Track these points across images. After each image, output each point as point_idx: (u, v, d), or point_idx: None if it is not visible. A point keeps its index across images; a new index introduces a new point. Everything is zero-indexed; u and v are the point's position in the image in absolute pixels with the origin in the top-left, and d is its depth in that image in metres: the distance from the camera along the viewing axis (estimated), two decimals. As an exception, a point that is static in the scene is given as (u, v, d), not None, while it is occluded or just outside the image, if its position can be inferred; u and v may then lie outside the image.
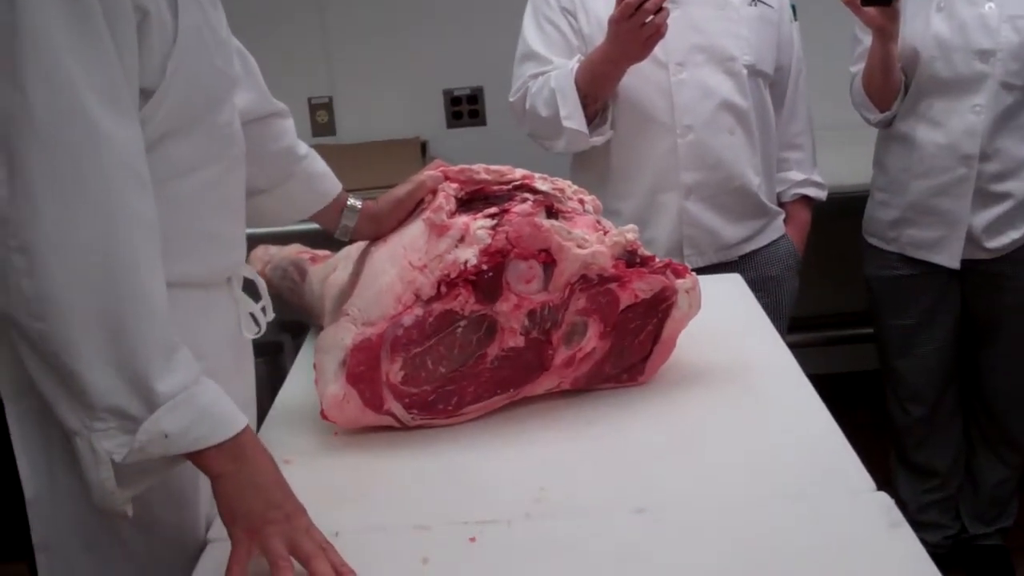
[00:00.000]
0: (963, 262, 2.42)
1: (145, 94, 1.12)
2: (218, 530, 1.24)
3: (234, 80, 1.32)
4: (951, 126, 2.34)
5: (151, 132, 1.13)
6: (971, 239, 2.39)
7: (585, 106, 2.17)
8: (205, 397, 1.10)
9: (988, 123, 2.31)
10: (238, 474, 1.11)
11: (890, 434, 2.73)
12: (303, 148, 1.52)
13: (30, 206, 1.03)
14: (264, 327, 1.43)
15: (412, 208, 1.50)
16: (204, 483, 1.25)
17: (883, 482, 1.26)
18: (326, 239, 1.60)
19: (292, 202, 1.52)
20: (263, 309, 1.43)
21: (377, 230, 1.51)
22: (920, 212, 2.43)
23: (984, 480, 2.68)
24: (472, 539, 1.20)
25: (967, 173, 2.35)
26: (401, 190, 1.50)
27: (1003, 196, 2.36)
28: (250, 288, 1.43)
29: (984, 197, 2.37)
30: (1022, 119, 2.32)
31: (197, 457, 1.11)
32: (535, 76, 2.23)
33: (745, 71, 2.24)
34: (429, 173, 1.51)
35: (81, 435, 1.07)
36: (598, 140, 2.22)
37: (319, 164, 1.54)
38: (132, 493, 1.12)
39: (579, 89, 2.15)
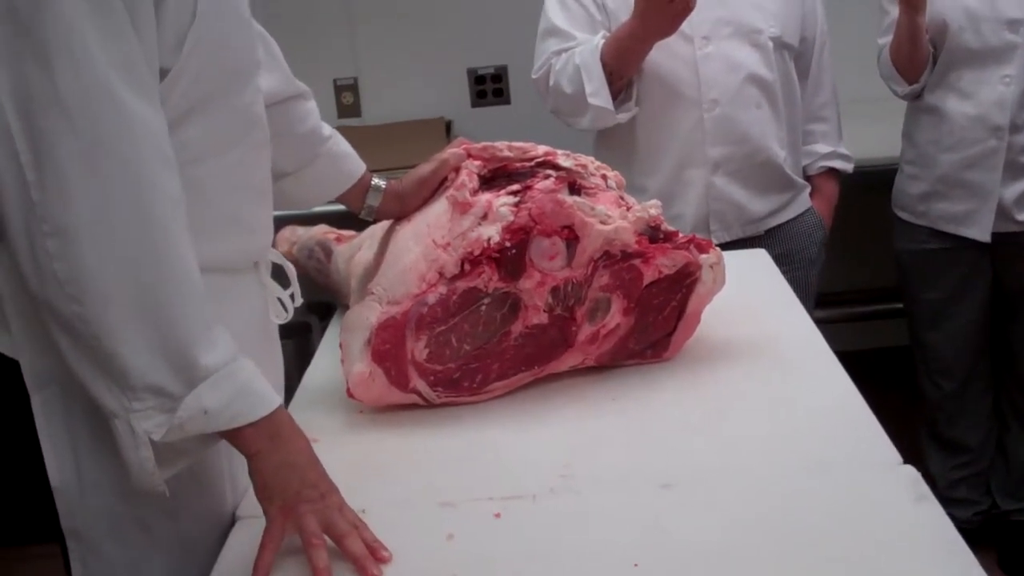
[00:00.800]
0: (994, 235, 2.40)
1: (162, 72, 1.12)
2: (247, 508, 1.25)
3: (257, 61, 1.31)
4: (980, 97, 2.32)
5: (169, 112, 1.12)
6: (1002, 212, 2.37)
7: (610, 83, 2.16)
8: (244, 373, 1.11)
9: (1018, 94, 2.29)
10: (274, 453, 1.12)
11: (921, 409, 2.71)
12: (327, 129, 1.52)
13: (61, 188, 1.03)
14: (292, 312, 1.44)
15: (436, 187, 1.50)
16: (228, 466, 1.26)
17: (909, 458, 1.25)
18: (351, 219, 1.61)
19: (318, 184, 1.52)
20: (291, 296, 1.43)
21: (401, 209, 1.52)
22: (950, 185, 2.41)
23: (1016, 456, 2.66)
24: (497, 515, 1.20)
25: (997, 145, 2.33)
26: (424, 169, 1.50)
27: None
28: (279, 273, 1.43)
29: (1015, 169, 2.34)
30: None
31: (234, 436, 1.11)
32: (558, 53, 2.22)
33: (771, 44, 2.23)
34: (452, 151, 1.51)
35: (120, 416, 1.08)
36: (624, 117, 2.21)
37: (343, 145, 1.54)
38: (169, 474, 1.12)
39: (604, 65, 2.14)
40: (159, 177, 1.07)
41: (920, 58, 2.33)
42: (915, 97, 2.44)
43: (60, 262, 1.04)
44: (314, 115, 1.51)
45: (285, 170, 1.47)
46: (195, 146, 1.17)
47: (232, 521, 1.26)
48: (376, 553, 1.12)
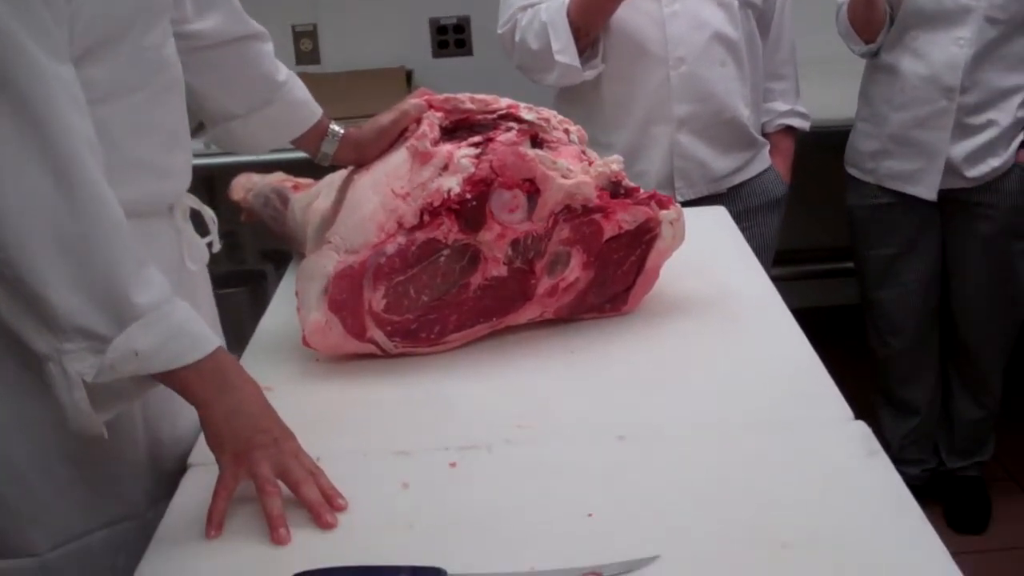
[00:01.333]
0: (942, 192, 2.44)
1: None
2: (199, 456, 1.25)
3: (167, 3, 1.28)
4: (933, 58, 2.35)
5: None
6: (951, 169, 2.41)
7: (576, 39, 2.14)
8: (179, 314, 1.10)
9: (970, 56, 2.31)
10: (222, 400, 1.11)
11: (873, 369, 2.75)
12: (283, 74, 1.49)
13: None
14: (207, 258, 1.42)
15: (396, 137, 1.49)
16: (144, 410, 1.25)
17: (862, 415, 1.27)
18: (309, 167, 1.59)
19: (269, 128, 1.50)
20: (209, 244, 1.42)
21: (359, 157, 1.50)
22: (899, 143, 2.45)
23: (960, 420, 2.71)
24: (452, 464, 1.21)
25: (947, 106, 2.37)
26: (385, 118, 1.49)
27: (983, 126, 2.38)
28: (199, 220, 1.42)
29: (963, 128, 2.38)
30: (1004, 51, 2.33)
31: (177, 381, 1.10)
32: (524, 8, 2.20)
33: (736, 2, 2.22)
34: (413, 102, 1.49)
35: (52, 359, 1.07)
36: (590, 74, 2.20)
37: (299, 90, 1.51)
38: (107, 416, 1.11)
39: (571, 23, 2.13)
40: (74, 119, 1.06)
41: (876, 18, 2.35)
42: (871, 56, 2.45)
43: None
44: (268, 58, 1.48)
45: (234, 112, 1.46)
46: (97, 87, 1.15)
47: (154, 465, 1.27)
48: (332, 501, 1.12)
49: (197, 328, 1.11)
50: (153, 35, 1.24)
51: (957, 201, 2.46)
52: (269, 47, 1.48)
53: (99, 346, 1.06)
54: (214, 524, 1.10)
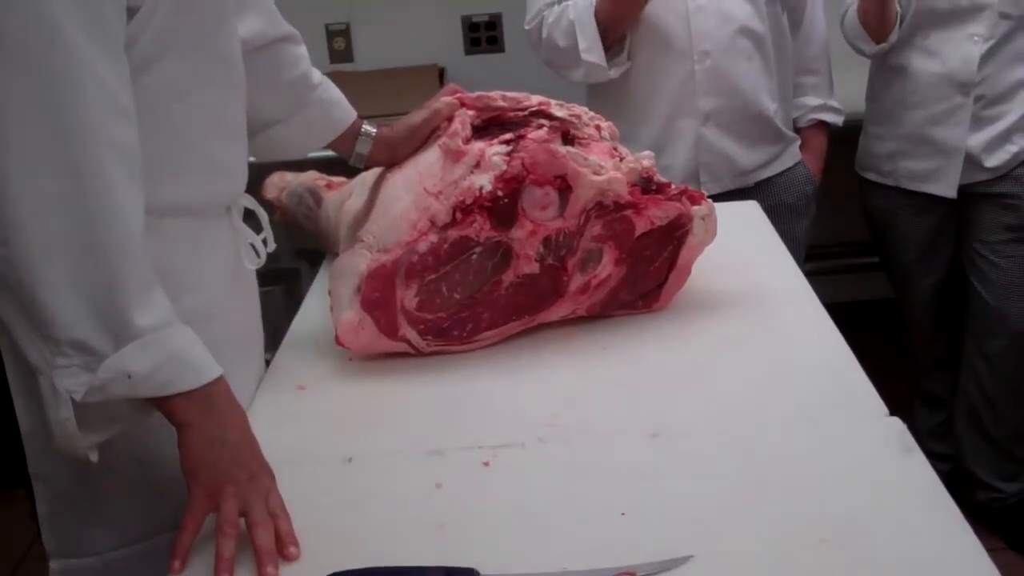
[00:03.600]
0: (962, 187, 2.42)
1: (130, 11, 1.09)
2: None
3: (237, 1, 1.29)
4: (947, 55, 2.34)
5: (140, 53, 1.10)
6: (970, 161, 2.38)
7: (603, 37, 2.14)
8: (178, 340, 1.06)
9: (985, 51, 2.30)
10: (205, 427, 1.07)
11: (908, 363, 2.74)
12: (317, 76, 1.50)
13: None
14: (264, 258, 1.41)
15: (427, 135, 1.49)
16: None
17: (896, 410, 1.26)
18: (342, 166, 1.60)
19: (307, 131, 1.50)
20: (264, 241, 1.41)
21: (392, 157, 1.50)
22: (915, 143, 2.43)
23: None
24: (486, 463, 1.21)
25: (963, 102, 2.35)
26: (416, 117, 1.49)
27: (997, 117, 2.36)
28: (251, 218, 1.41)
29: (978, 121, 2.36)
30: (1016, 45, 2.31)
31: (163, 404, 1.07)
32: (551, 4, 2.20)
33: (763, -4, 2.21)
34: (445, 100, 1.49)
35: (43, 372, 1.04)
36: (616, 72, 2.21)
37: (333, 91, 1.52)
38: (98, 439, 1.09)
39: (598, 22, 2.13)
40: (107, 127, 1.03)
41: (889, 17, 2.33)
42: (882, 57, 2.44)
43: None
44: (304, 60, 1.48)
45: (275, 117, 1.46)
46: (169, 85, 1.15)
47: None
48: (284, 548, 1.06)
49: (196, 356, 1.07)
50: (222, 34, 1.24)
51: (978, 195, 2.43)
52: (303, 49, 1.49)
53: (92, 363, 1.03)
54: (179, 556, 1.05)
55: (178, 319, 1.07)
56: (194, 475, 1.07)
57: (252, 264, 1.39)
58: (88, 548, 1.23)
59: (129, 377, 1.03)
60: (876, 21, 2.35)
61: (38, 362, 1.04)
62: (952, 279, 2.58)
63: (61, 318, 1.02)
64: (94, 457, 1.09)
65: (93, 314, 1.02)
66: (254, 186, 1.47)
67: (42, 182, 1.01)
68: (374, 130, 1.51)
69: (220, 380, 1.09)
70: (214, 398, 1.08)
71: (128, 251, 1.03)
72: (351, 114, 1.52)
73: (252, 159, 1.49)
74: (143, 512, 1.23)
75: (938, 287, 2.59)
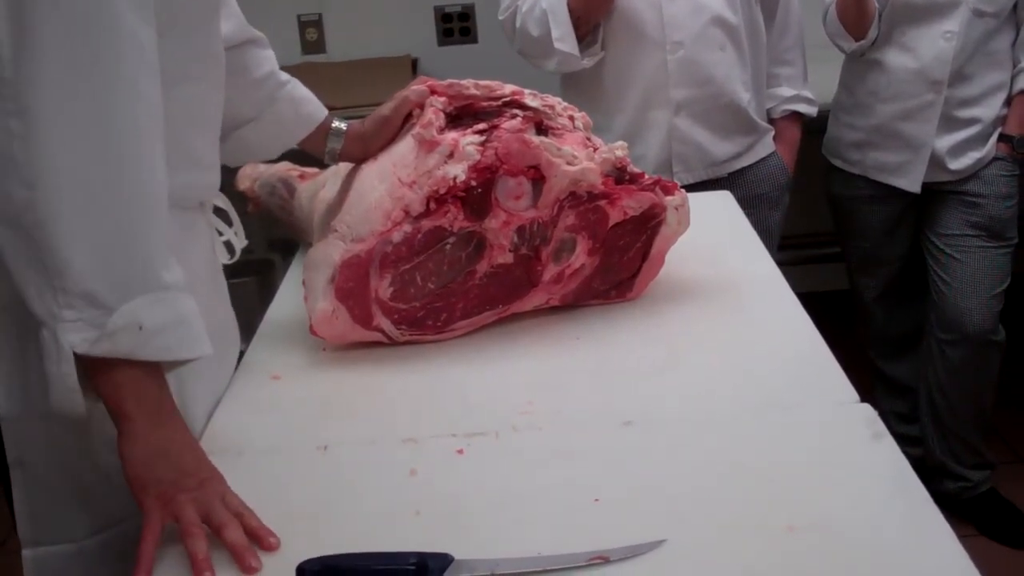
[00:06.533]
0: (926, 184, 2.46)
1: None
2: (207, 444, 1.25)
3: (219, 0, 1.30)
4: (921, 52, 2.37)
5: None
6: (934, 161, 2.43)
7: (576, 27, 2.15)
8: (190, 306, 1.08)
9: (958, 49, 2.33)
10: (152, 436, 1.06)
11: (866, 349, 2.79)
12: (285, 76, 1.51)
13: (35, 68, 1.00)
14: (237, 253, 1.42)
15: (398, 126, 1.49)
16: (180, 396, 1.22)
17: (868, 397, 1.27)
18: (314, 156, 1.59)
19: (278, 129, 1.50)
20: (234, 235, 1.42)
21: (364, 151, 1.50)
22: (885, 135, 2.47)
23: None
24: (460, 451, 1.21)
25: (935, 99, 2.39)
26: (386, 108, 1.49)
27: (969, 121, 2.41)
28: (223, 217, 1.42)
29: (949, 122, 2.41)
30: (992, 46, 2.37)
31: (116, 393, 1.05)
32: (524, -6, 2.21)
33: (738, -14, 2.22)
34: (413, 88, 1.49)
35: (47, 325, 1.03)
36: (589, 62, 2.22)
37: (303, 89, 1.52)
38: (92, 401, 1.08)
39: (571, 11, 2.13)
40: (140, 81, 1.04)
41: (867, 15, 2.36)
42: (861, 55, 2.46)
43: (19, 141, 1.00)
44: (272, 61, 1.49)
45: (246, 115, 1.46)
46: (164, 75, 1.14)
47: None
48: (261, 541, 1.05)
49: (199, 327, 1.09)
50: (211, 28, 1.25)
51: (941, 192, 2.48)
52: (270, 52, 1.49)
53: (99, 318, 1.02)
54: (143, 569, 1.02)
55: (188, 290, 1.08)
56: (143, 489, 1.05)
57: (225, 259, 1.39)
58: (64, 535, 1.23)
59: (140, 329, 1.03)
60: (854, 18, 2.37)
61: (43, 314, 1.03)
62: (910, 267, 2.63)
63: (77, 267, 1.02)
64: (84, 413, 1.07)
65: (111, 266, 1.03)
66: (228, 179, 1.47)
67: (74, 128, 1.01)
68: (344, 126, 1.51)
69: (166, 385, 1.08)
70: (163, 402, 1.08)
71: (157, 205, 1.05)
72: (321, 110, 1.52)
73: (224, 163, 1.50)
74: (116, 497, 1.22)
75: (896, 274, 2.65)
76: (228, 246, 1.43)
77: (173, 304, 1.06)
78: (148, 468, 1.05)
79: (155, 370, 1.08)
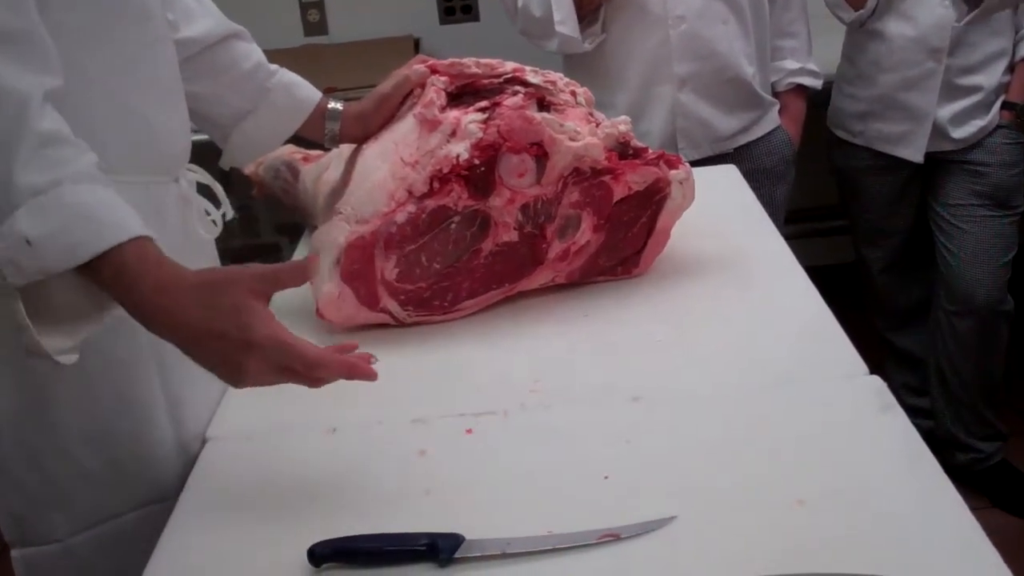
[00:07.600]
0: (929, 154, 2.45)
1: None
2: (217, 429, 1.26)
3: (184, 7, 1.28)
4: (921, 20, 2.37)
5: None
6: (937, 130, 2.43)
7: (578, 7, 2.14)
8: (84, 196, 0.95)
9: (957, 16, 2.31)
10: (155, 297, 0.98)
11: (875, 322, 2.78)
12: (273, 65, 1.49)
13: None
14: (220, 226, 1.40)
15: (398, 104, 1.49)
16: (162, 388, 1.23)
17: (876, 369, 1.27)
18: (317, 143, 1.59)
19: (276, 117, 1.48)
20: (224, 215, 1.40)
21: (364, 130, 1.50)
22: (887, 106, 2.47)
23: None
24: (469, 431, 1.21)
25: (935, 67, 2.38)
26: (386, 86, 1.49)
27: (971, 89, 2.41)
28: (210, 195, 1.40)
29: (951, 90, 2.40)
30: (993, 15, 2.33)
31: (107, 280, 0.97)
32: (526, -28, 2.20)
33: (740, -41, 2.20)
34: (414, 67, 1.49)
35: None
36: (590, 45, 2.21)
37: (292, 75, 1.51)
38: (71, 342, 1.01)
39: None
40: None
41: None
42: (860, 25, 2.45)
43: None
44: (257, 52, 1.47)
45: (243, 108, 1.45)
46: (74, 33, 1.09)
47: (180, 447, 1.25)
48: (365, 364, 1.06)
49: (110, 212, 0.96)
50: None
51: (945, 161, 2.47)
52: (255, 45, 1.48)
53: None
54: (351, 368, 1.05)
55: (97, 179, 0.98)
56: (195, 341, 1.00)
57: (209, 233, 1.37)
58: (47, 535, 1.22)
59: (28, 243, 0.93)
60: None
61: None
62: (916, 239, 2.62)
63: None
64: (69, 360, 1.01)
65: None
66: (211, 161, 1.47)
67: None
68: (340, 106, 1.50)
69: (142, 241, 0.98)
70: (162, 269, 0.98)
71: (17, 120, 0.94)
72: (315, 92, 1.51)
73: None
74: (98, 494, 1.21)
75: (902, 246, 2.64)
76: (215, 220, 1.40)
77: (58, 202, 0.94)
78: (199, 347, 1.01)
79: (132, 252, 0.98)
